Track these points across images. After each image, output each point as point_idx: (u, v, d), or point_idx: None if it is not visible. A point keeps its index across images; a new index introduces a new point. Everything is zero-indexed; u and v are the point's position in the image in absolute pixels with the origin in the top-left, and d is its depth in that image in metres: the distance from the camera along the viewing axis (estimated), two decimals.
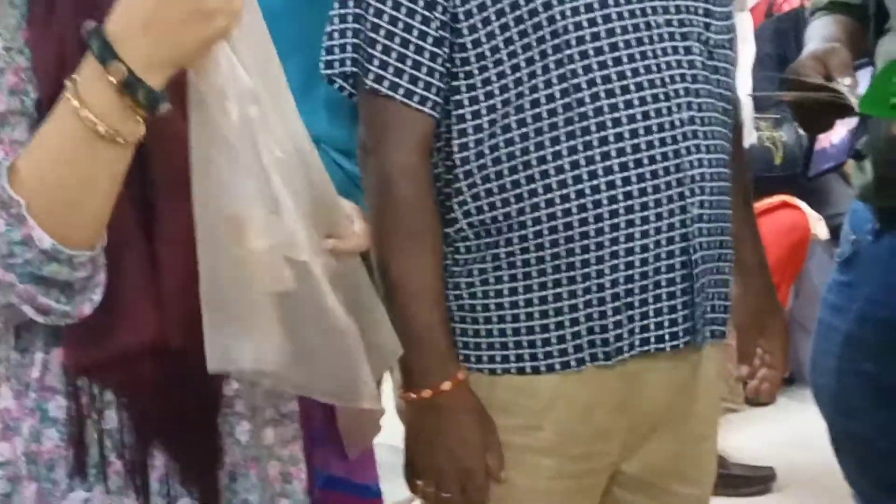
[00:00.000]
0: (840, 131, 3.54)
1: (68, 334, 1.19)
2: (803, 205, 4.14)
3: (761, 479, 3.56)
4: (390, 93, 1.51)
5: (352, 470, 1.91)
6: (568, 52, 1.49)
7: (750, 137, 3.57)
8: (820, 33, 1.94)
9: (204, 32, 1.09)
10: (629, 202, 1.50)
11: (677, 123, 1.52)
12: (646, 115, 1.51)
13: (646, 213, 1.51)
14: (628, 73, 1.51)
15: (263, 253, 1.14)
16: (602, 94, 1.50)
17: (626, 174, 1.50)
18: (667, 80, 1.52)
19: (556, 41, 1.49)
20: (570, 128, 1.50)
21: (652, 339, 1.55)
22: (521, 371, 1.55)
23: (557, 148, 1.50)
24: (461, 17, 1.50)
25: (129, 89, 1.08)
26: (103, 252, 1.16)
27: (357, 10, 1.52)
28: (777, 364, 1.79)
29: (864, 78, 1.80)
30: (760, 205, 4.06)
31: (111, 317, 1.18)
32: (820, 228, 4.10)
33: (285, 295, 1.16)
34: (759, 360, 1.79)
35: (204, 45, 1.10)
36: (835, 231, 3.88)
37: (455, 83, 1.52)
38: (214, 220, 1.14)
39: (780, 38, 4.17)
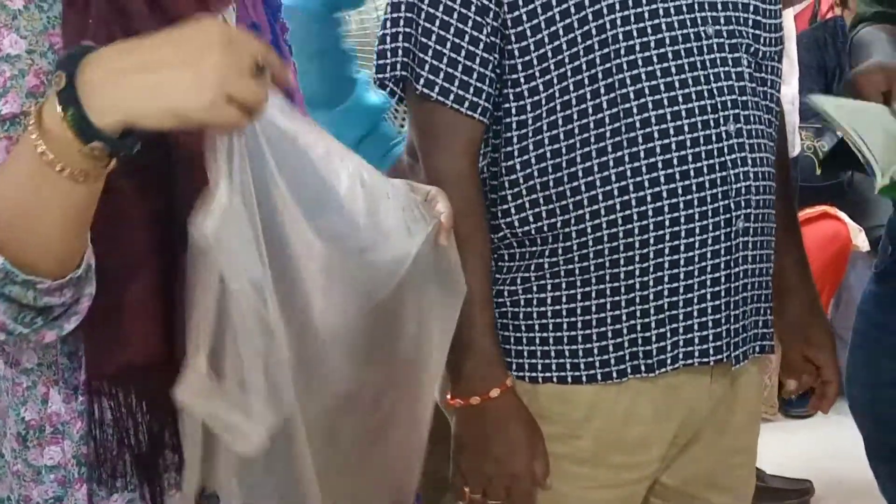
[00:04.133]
0: None
1: (88, 344, 1.19)
2: (844, 216, 4.11)
3: (799, 493, 3.53)
4: (441, 98, 1.52)
5: None
6: (616, 62, 1.49)
7: (795, 148, 3.55)
8: (879, 35, 1.90)
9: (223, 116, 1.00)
10: (674, 214, 1.50)
11: (724, 136, 1.52)
12: (693, 127, 1.50)
13: (691, 226, 1.50)
14: (676, 85, 1.50)
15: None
16: (649, 106, 1.49)
17: (671, 186, 1.49)
18: (715, 91, 1.52)
19: (605, 51, 1.49)
20: (616, 139, 1.49)
21: (696, 353, 1.54)
22: (561, 380, 1.55)
23: (604, 159, 1.49)
24: (510, 24, 1.49)
25: (78, 128, 1.01)
26: (92, 279, 1.14)
27: (409, 15, 1.52)
28: (832, 376, 1.76)
29: None
30: (801, 215, 4.03)
31: (119, 332, 1.17)
32: (861, 240, 4.07)
33: None
34: (811, 377, 1.76)
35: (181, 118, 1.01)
36: (876, 242, 3.85)
37: (504, 90, 1.52)
38: None
39: (819, 46, 4.14)
